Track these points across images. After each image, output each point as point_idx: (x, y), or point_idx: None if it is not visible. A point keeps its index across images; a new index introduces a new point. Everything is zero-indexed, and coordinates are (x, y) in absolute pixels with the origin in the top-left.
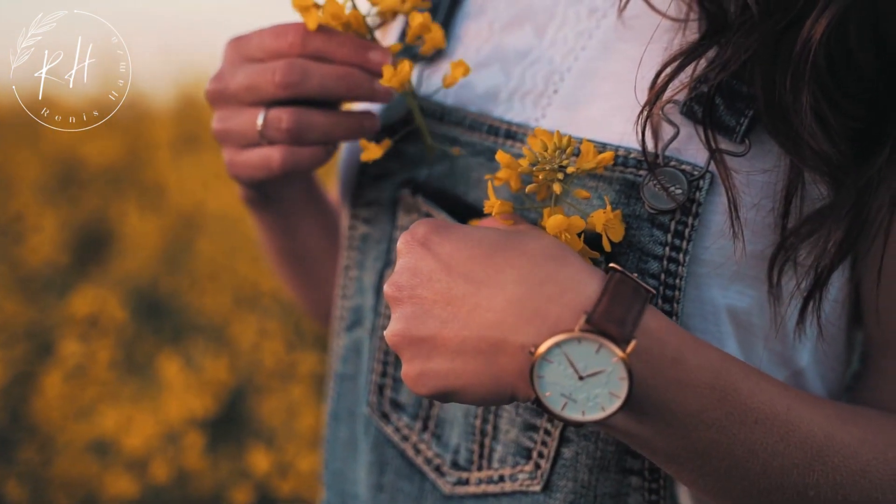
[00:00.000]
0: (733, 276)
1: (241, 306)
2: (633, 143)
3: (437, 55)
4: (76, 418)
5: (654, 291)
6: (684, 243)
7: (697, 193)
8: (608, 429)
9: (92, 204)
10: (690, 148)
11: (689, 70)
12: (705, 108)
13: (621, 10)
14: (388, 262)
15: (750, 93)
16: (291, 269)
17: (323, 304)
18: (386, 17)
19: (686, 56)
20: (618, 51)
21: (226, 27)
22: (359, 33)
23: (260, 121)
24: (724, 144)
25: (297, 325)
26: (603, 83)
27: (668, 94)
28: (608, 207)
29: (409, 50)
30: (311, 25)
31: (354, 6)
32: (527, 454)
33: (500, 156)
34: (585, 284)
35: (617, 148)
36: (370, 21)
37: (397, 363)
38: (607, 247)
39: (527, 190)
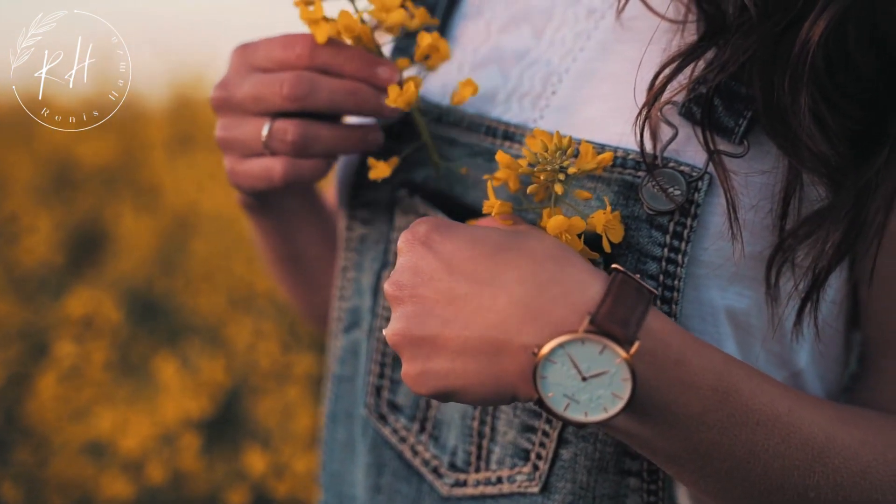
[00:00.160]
0: (732, 278)
1: (236, 307)
2: (631, 144)
3: None
4: (71, 420)
5: (657, 292)
6: (683, 244)
7: (696, 194)
8: (610, 429)
9: (86, 204)
10: (689, 149)
11: (687, 71)
12: (704, 110)
13: (620, 11)
14: (385, 263)
15: (748, 94)
16: (288, 273)
17: (319, 307)
18: (394, 31)
19: (684, 57)
20: (616, 52)
21: (225, 27)
22: (367, 47)
23: (265, 132)
24: (723, 146)
25: (292, 327)
26: (601, 84)
27: (666, 95)
28: (608, 208)
29: (406, 50)
30: (321, 38)
31: (363, 20)
32: (525, 455)
33: (500, 156)
34: (589, 285)
35: (615, 149)
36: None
37: (395, 365)
38: (607, 248)
39: (528, 191)
